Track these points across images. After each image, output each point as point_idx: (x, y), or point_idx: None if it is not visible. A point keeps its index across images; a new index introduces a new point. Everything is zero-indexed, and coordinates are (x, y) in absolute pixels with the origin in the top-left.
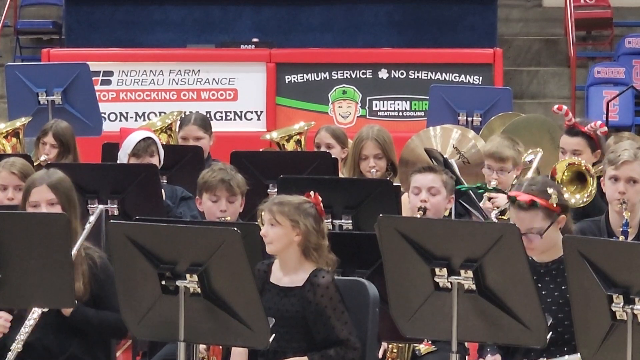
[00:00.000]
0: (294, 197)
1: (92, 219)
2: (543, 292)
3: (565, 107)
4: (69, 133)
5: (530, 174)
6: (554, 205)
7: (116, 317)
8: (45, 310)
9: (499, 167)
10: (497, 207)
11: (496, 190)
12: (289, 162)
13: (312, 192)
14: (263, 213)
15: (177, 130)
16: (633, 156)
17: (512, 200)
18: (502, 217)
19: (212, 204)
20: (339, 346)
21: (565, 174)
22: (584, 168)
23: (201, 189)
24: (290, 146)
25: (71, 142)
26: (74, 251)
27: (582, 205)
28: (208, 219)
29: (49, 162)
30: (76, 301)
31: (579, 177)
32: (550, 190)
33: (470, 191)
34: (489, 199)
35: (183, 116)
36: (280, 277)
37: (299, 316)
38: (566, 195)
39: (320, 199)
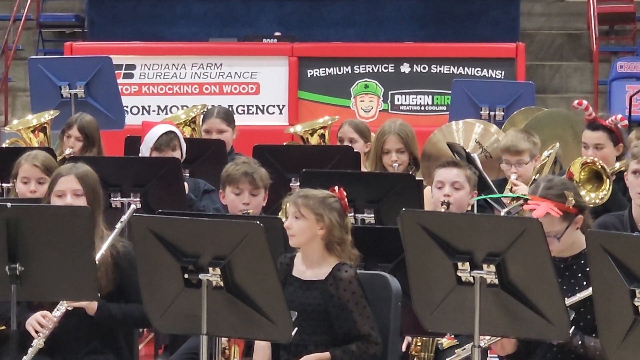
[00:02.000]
0: (319, 191)
1: (124, 218)
2: (563, 288)
3: (585, 102)
4: (93, 126)
5: (547, 169)
6: (571, 207)
7: (140, 308)
8: (70, 308)
9: (516, 160)
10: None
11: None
12: (312, 156)
13: (336, 187)
14: (287, 205)
15: (200, 123)
16: None
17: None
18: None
19: (235, 197)
20: (360, 341)
21: (582, 173)
22: (599, 167)
23: (224, 182)
24: (314, 140)
25: (96, 135)
26: (102, 251)
27: (596, 205)
28: (231, 212)
29: (73, 155)
30: (99, 295)
31: (597, 176)
32: (567, 193)
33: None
34: (511, 189)
35: (207, 110)
36: (302, 270)
37: (321, 310)
38: (582, 193)
39: (344, 193)
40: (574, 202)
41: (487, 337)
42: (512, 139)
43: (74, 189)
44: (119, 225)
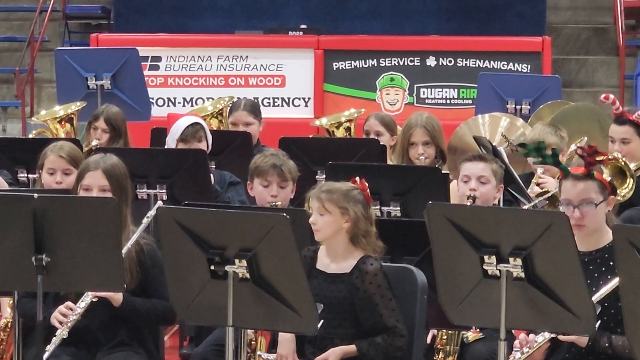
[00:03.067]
0: (341, 184)
1: (150, 213)
2: (588, 281)
3: (612, 96)
4: (120, 118)
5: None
6: (607, 181)
7: (164, 304)
8: (95, 300)
9: None
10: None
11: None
12: (338, 149)
13: (357, 178)
14: (311, 200)
15: (227, 115)
16: None
17: (567, 172)
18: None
19: (264, 189)
20: (386, 333)
21: (606, 169)
22: (622, 164)
23: (253, 174)
24: (339, 133)
25: (122, 127)
26: (128, 245)
27: (618, 202)
28: (259, 204)
29: (99, 146)
30: (124, 290)
31: (620, 172)
32: (602, 168)
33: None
34: (537, 184)
35: (234, 102)
36: (327, 263)
37: (347, 303)
38: None
39: (366, 184)
40: (608, 179)
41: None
42: (540, 132)
43: (101, 185)
44: (145, 221)
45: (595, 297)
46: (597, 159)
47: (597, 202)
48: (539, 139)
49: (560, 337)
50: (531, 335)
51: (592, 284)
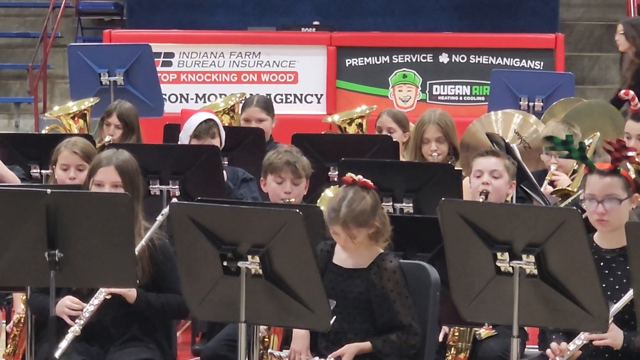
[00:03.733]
0: (361, 202)
1: (164, 211)
2: (610, 279)
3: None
4: (133, 114)
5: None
6: (632, 177)
7: (177, 299)
8: (109, 297)
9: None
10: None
11: None
12: (350, 145)
13: (352, 175)
14: (334, 226)
15: (239, 112)
16: None
17: (592, 167)
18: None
19: (277, 185)
20: (400, 331)
21: None
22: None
23: (266, 170)
24: (351, 129)
25: (135, 123)
26: (142, 242)
27: None
28: (272, 200)
29: (112, 142)
30: (137, 285)
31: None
32: (628, 165)
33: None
34: (551, 182)
35: (246, 98)
36: (343, 258)
37: (363, 298)
38: None
39: (366, 180)
40: (634, 175)
41: None
42: (553, 129)
43: (113, 181)
44: (159, 218)
45: (613, 311)
46: (626, 154)
47: (621, 198)
48: (553, 135)
49: (596, 342)
50: (563, 344)
51: (615, 282)
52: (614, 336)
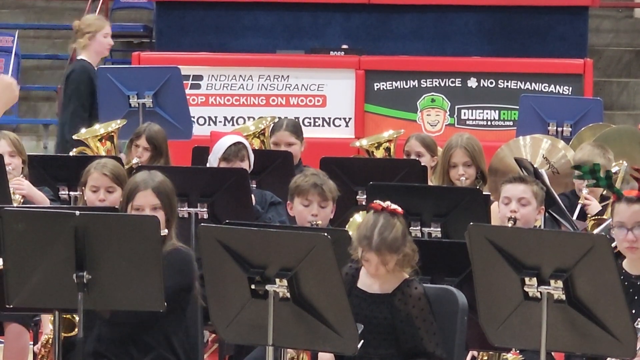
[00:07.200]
0: (393, 229)
1: None
2: (632, 312)
3: None
4: (161, 136)
5: (618, 186)
6: None
7: None
8: None
9: None
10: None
11: None
12: (379, 169)
13: (381, 203)
14: (367, 254)
15: (269, 135)
16: None
17: (620, 195)
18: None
19: (304, 208)
20: (425, 357)
21: None
22: None
23: (293, 194)
24: (379, 154)
25: (163, 145)
26: None
27: None
28: (299, 223)
29: (140, 164)
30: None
31: None
32: None
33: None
34: (583, 205)
35: (275, 122)
36: (369, 283)
37: (387, 324)
38: None
39: (395, 207)
40: None
41: None
42: (589, 154)
43: (152, 204)
44: None
45: None
46: None
47: None
48: (587, 160)
49: None
50: None
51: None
52: None
